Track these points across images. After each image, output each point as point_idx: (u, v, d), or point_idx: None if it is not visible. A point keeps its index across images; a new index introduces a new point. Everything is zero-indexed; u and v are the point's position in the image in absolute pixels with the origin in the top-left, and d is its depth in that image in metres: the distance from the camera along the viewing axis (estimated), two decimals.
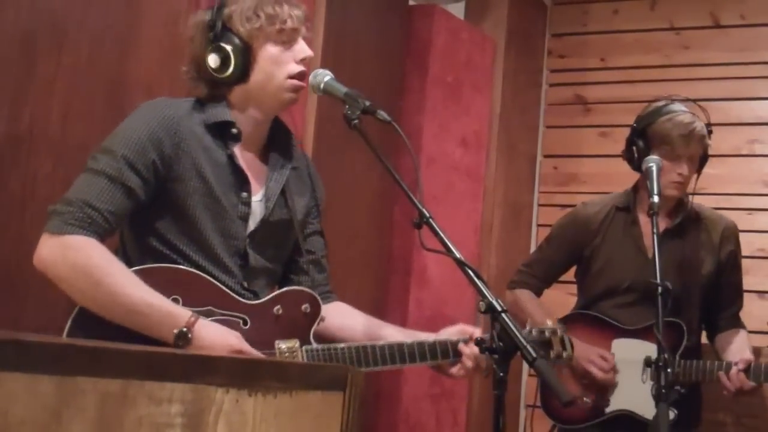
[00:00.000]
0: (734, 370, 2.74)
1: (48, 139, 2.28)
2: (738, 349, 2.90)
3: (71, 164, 2.30)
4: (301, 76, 1.95)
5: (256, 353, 1.86)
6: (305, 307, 1.98)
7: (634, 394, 2.82)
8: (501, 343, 1.70)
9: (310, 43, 2.00)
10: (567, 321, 2.97)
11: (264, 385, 1.10)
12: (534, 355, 1.66)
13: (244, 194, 1.94)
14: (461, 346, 2.03)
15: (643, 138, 2.86)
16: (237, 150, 1.96)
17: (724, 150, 4.12)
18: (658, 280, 2.45)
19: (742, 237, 3.08)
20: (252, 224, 1.97)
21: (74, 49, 2.34)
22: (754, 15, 4.23)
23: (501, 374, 1.70)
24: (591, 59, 4.54)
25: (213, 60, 1.90)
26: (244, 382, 1.08)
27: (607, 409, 2.85)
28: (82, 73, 2.36)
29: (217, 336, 1.80)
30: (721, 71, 4.24)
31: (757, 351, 3.04)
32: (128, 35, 2.47)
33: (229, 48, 1.90)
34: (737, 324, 3.03)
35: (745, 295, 3.15)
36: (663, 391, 2.33)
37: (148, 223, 1.88)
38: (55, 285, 1.79)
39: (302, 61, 1.95)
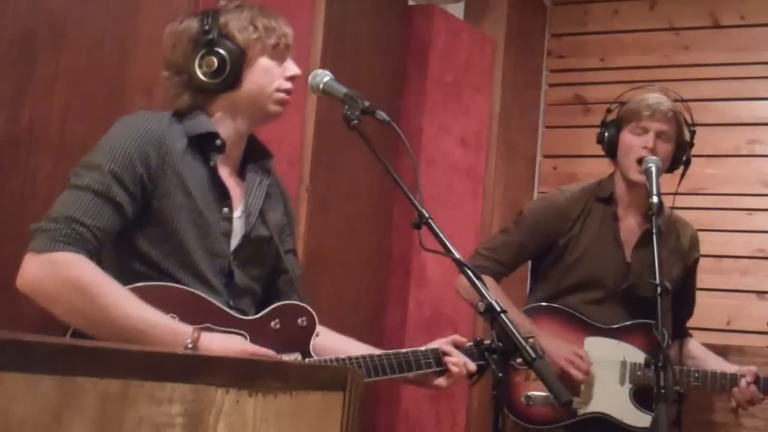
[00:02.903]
0: (743, 382, 2.68)
1: (48, 139, 2.28)
2: (714, 358, 2.88)
3: (71, 164, 2.30)
4: (289, 91, 1.96)
5: (266, 351, 1.83)
6: (302, 320, 1.95)
7: (610, 397, 2.72)
8: (500, 344, 1.70)
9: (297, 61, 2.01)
10: (530, 313, 2.83)
11: (264, 386, 1.10)
12: (533, 355, 1.66)
13: (225, 210, 1.91)
14: (445, 347, 2.05)
15: (616, 119, 2.85)
16: (219, 162, 1.92)
17: (723, 150, 4.13)
18: (658, 280, 2.42)
19: (742, 237, 3.08)
20: (234, 241, 1.93)
21: (74, 49, 2.34)
22: (753, 15, 4.24)
23: (500, 374, 1.70)
24: (590, 59, 4.54)
25: (208, 64, 1.88)
26: (244, 383, 1.08)
27: (580, 411, 2.72)
28: (82, 74, 2.36)
29: (223, 345, 1.77)
30: (720, 71, 4.25)
31: (755, 350, 3.03)
32: (128, 35, 2.47)
33: (225, 54, 1.88)
34: (688, 332, 3.00)
35: (745, 295, 3.15)
36: (662, 391, 2.30)
37: (129, 243, 1.81)
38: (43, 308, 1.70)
39: (291, 78, 1.96)
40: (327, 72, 2.00)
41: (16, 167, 2.22)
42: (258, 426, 1.09)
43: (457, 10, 4.14)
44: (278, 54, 1.95)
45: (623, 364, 2.75)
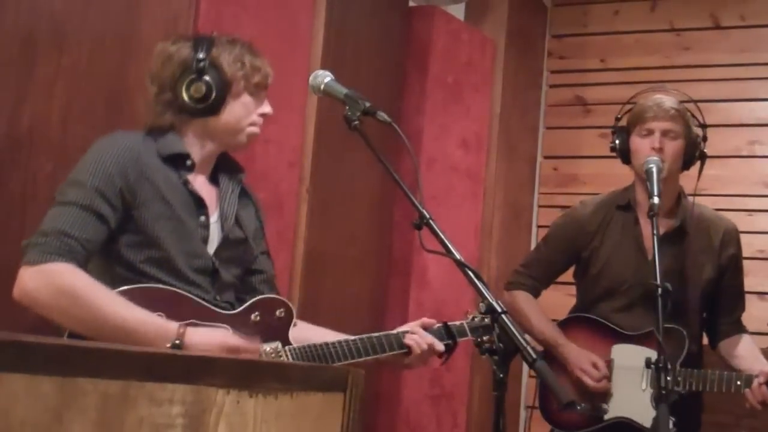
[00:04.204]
0: (756, 383, 2.66)
1: (48, 140, 2.28)
2: (754, 358, 2.84)
3: (71, 165, 2.30)
4: (259, 127, 2.08)
5: (247, 344, 1.93)
6: (280, 311, 2.08)
7: (633, 402, 2.76)
8: (501, 345, 1.71)
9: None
10: (566, 324, 2.93)
11: (265, 387, 1.10)
12: (534, 356, 1.66)
13: (202, 218, 2.02)
14: (413, 329, 2.17)
15: (625, 125, 2.86)
16: (190, 177, 2.03)
17: (724, 151, 4.13)
18: (658, 282, 2.42)
19: (743, 238, 3.05)
20: (213, 245, 2.04)
21: (74, 50, 2.34)
22: (754, 16, 4.24)
23: (501, 375, 1.70)
24: (591, 60, 4.54)
25: (195, 89, 1.98)
26: (244, 383, 1.08)
27: (606, 416, 2.78)
28: (82, 75, 2.36)
29: (207, 338, 1.88)
30: (721, 72, 4.24)
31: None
32: (128, 37, 2.47)
33: (212, 83, 1.99)
34: (740, 329, 2.94)
35: (746, 295, 3.13)
36: (663, 393, 2.30)
37: (114, 251, 1.93)
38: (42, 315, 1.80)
39: (263, 115, 2.09)
40: (327, 73, 2.03)
41: (16, 168, 2.22)
42: (258, 427, 1.09)
43: (458, 11, 4.14)
44: (258, 92, 2.08)
45: (645, 364, 2.76)
